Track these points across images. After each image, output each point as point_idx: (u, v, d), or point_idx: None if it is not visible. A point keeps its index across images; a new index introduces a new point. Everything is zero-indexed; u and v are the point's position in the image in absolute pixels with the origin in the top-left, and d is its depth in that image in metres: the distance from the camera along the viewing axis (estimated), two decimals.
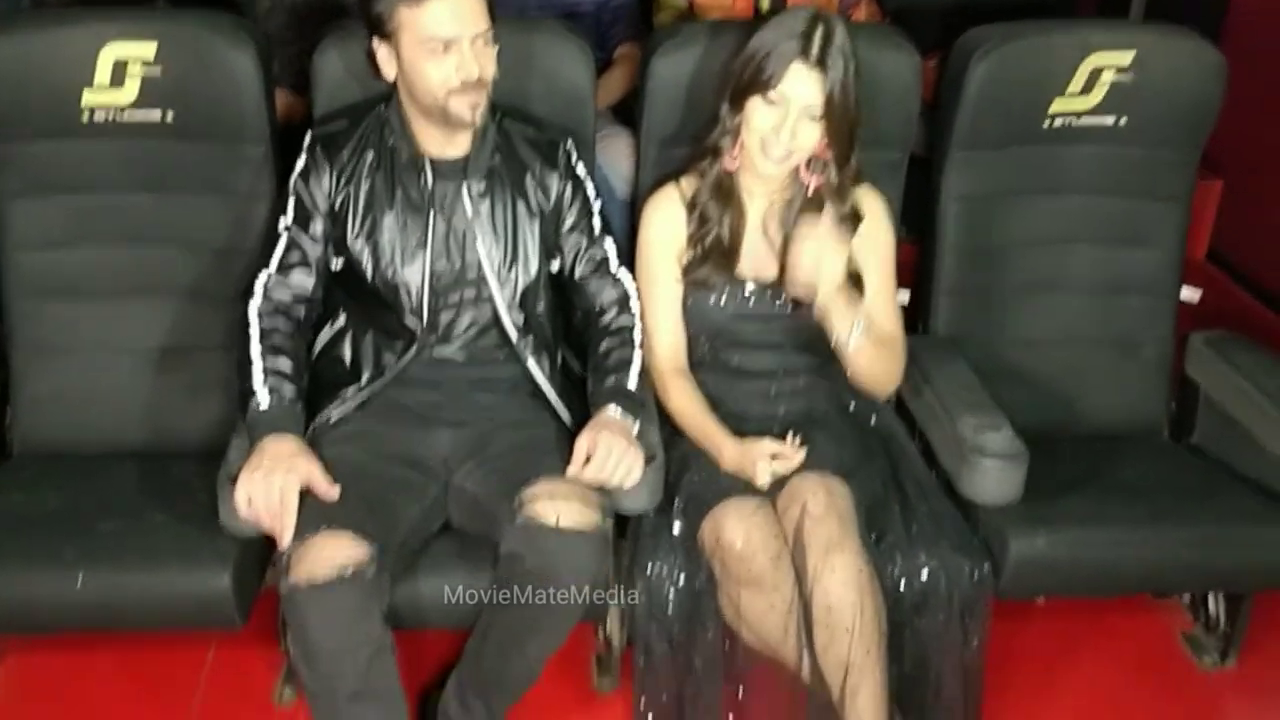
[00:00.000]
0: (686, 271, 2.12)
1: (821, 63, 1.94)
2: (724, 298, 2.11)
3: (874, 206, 2.13)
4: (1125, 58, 2.24)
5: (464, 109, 1.93)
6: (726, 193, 2.09)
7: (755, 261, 2.11)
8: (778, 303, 2.11)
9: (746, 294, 2.11)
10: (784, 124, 1.96)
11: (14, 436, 2.28)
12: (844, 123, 1.99)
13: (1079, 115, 2.28)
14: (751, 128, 2.00)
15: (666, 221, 2.12)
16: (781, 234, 2.09)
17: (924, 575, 1.96)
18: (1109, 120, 2.29)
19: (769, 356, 2.15)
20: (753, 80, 1.98)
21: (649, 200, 2.16)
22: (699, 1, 2.97)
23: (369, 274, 2.03)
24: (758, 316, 2.12)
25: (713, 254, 2.09)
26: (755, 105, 1.99)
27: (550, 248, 2.09)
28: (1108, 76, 2.25)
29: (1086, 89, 2.26)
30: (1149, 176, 2.34)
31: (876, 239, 2.12)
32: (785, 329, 2.13)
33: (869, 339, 2.02)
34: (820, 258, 1.97)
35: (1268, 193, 3.01)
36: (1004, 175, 2.32)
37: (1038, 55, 2.26)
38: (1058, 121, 2.28)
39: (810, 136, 1.98)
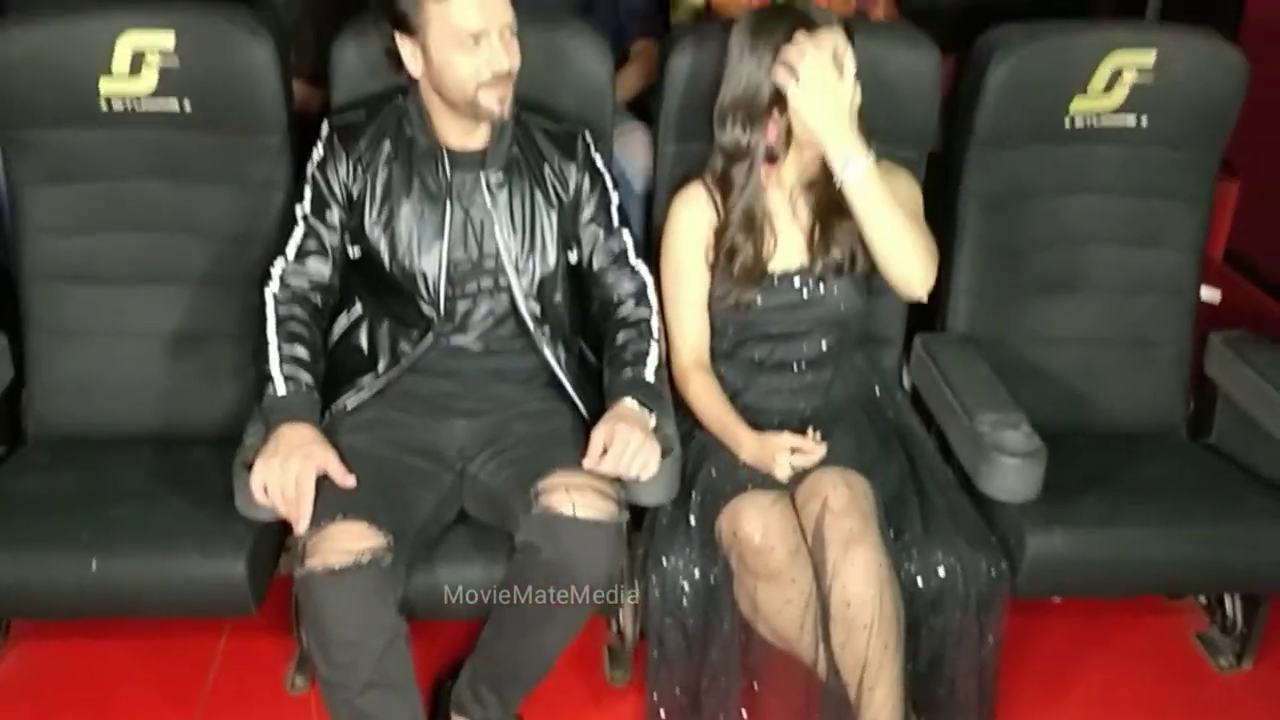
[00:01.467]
0: (716, 291, 2.11)
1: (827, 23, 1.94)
2: (755, 298, 2.10)
3: (898, 175, 2.09)
4: (1147, 58, 2.24)
5: (493, 102, 1.93)
6: (753, 219, 2.07)
7: (785, 253, 2.11)
8: (807, 289, 2.10)
9: (775, 288, 2.11)
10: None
11: (30, 420, 2.28)
12: None
13: (1100, 115, 2.27)
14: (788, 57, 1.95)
15: (694, 218, 2.12)
16: (810, 216, 2.09)
17: (941, 572, 1.95)
18: (1130, 120, 2.28)
19: (793, 347, 2.15)
20: (753, 94, 1.99)
21: (677, 196, 2.15)
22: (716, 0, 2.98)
23: (386, 262, 2.03)
24: (785, 306, 2.12)
25: (741, 277, 2.08)
26: (781, 77, 1.95)
27: (568, 238, 2.09)
28: (1129, 77, 2.24)
29: (1108, 89, 2.25)
30: (1169, 177, 2.33)
31: (904, 194, 2.06)
32: (812, 317, 2.12)
33: (876, 182, 1.95)
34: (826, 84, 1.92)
35: None
36: (1024, 174, 2.32)
37: (1059, 54, 2.26)
38: (1079, 121, 2.28)
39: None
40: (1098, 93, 2.25)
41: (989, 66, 2.22)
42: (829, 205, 2.05)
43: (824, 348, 2.15)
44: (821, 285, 2.10)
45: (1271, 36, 3.11)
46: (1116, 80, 2.24)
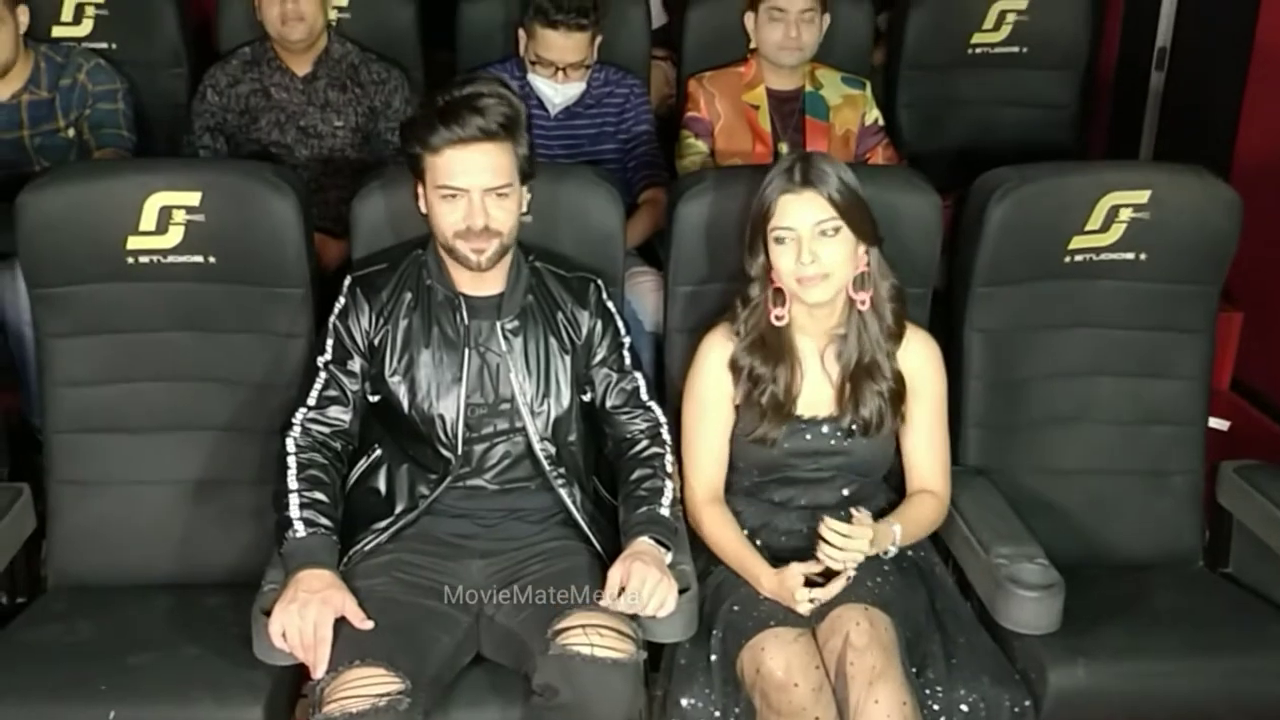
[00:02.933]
0: (741, 427, 2.14)
1: (808, 181, 2.00)
2: (780, 438, 2.12)
3: (924, 352, 2.15)
4: (1141, 196, 2.29)
5: (468, 252, 2.01)
6: (774, 348, 2.10)
7: (813, 399, 2.13)
8: (834, 439, 2.12)
9: (803, 430, 2.12)
10: (802, 250, 2.00)
11: (49, 570, 2.28)
12: (860, 219, 2.03)
13: (1099, 251, 2.32)
14: (780, 272, 2.05)
15: (720, 356, 2.14)
16: (840, 372, 2.12)
17: (964, 709, 1.93)
18: (1129, 256, 2.32)
19: (815, 492, 2.16)
20: (758, 226, 2.05)
21: (706, 335, 2.18)
22: (720, 148, 3.08)
23: (405, 407, 2.07)
24: (810, 453, 2.13)
25: (770, 411, 2.10)
26: (772, 250, 2.04)
27: (581, 380, 2.13)
28: (1125, 214, 2.29)
29: (1105, 227, 2.30)
30: (1171, 310, 2.37)
31: (926, 387, 2.15)
32: (836, 466, 2.14)
33: (907, 531, 2.07)
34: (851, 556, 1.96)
35: None
36: (1027, 309, 2.35)
37: (1055, 194, 2.31)
38: (1078, 257, 2.32)
39: (836, 251, 2.02)
40: (1095, 230, 2.30)
41: (988, 207, 2.28)
42: (859, 366, 2.10)
43: (845, 494, 2.16)
44: (849, 439, 2.12)
45: (1264, 170, 3.19)
46: (1113, 218, 2.29)
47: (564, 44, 2.86)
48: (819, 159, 2.04)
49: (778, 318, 2.09)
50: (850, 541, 1.94)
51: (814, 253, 2.00)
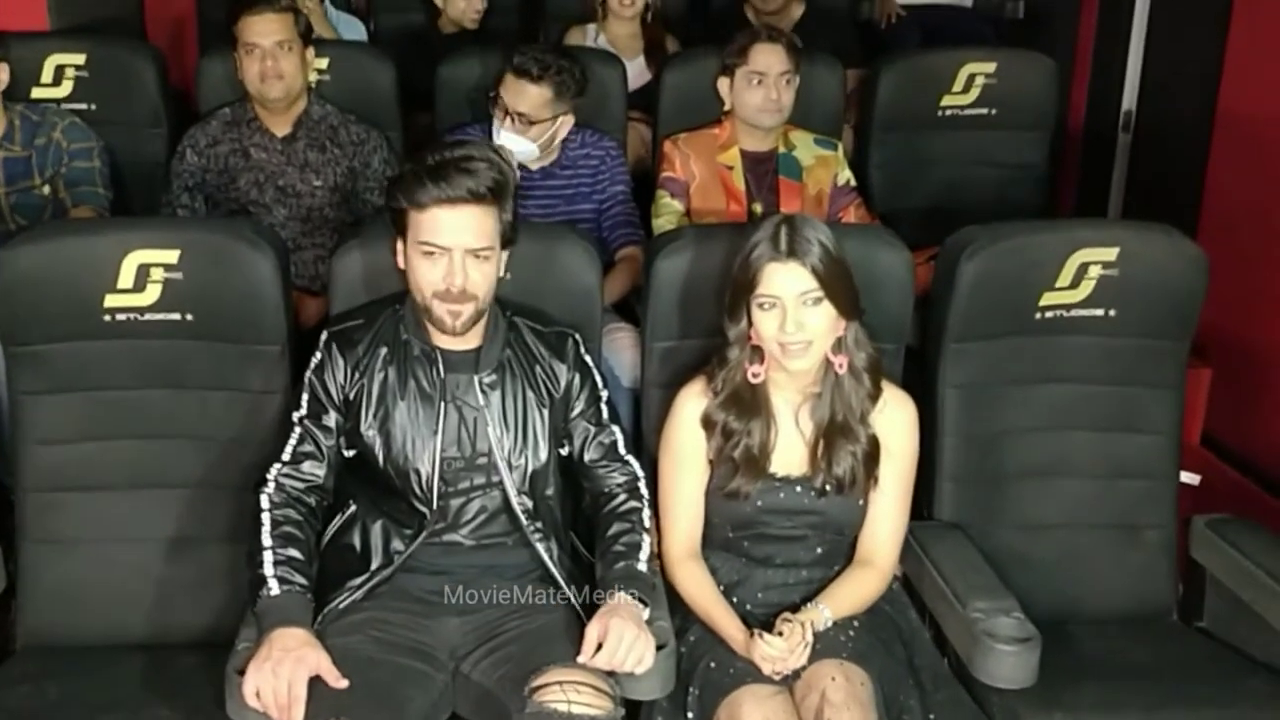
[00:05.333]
0: (715, 481, 2.14)
1: (793, 252, 2.01)
2: (754, 494, 2.12)
3: (900, 415, 2.16)
4: (1110, 253, 2.32)
5: (444, 314, 2.02)
6: (749, 404, 2.11)
7: (787, 457, 2.13)
8: (808, 498, 2.13)
9: (777, 489, 2.13)
10: (786, 319, 2.02)
11: (19, 630, 2.25)
12: (843, 291, 2.04)
13: (1069, 308, 2.35)
14: (761, 335, 2.06)
15: (695, 411, 2.15)
16: (814, 430, 2.12)
17: None
18: (1099, 312, 2.35)
19: (789, 549, 2.16)
20: (741, 291, 2.06)
21: (682, 389, 2.18)
22: (695, 207, 3.11)
23: (380, 461, 2.07)
24: (784, 510, 2.13)
25: (743, 465, 2.11)
26: (754, 313, 2.05)
27: (559, 434, 2.14)
28: (1095, 271, 2.32)
29: (1074, 283, 2.33)
30: (1141, 365, 2.39)
31: (898, 448, 2.15)
32: (812, 523, 2.14)
33: (839, 611, 2.06)
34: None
35: (1255, 379, 3.09)
36: (999, 365, 2.38)
37: (1025, 252, 2.34)
38: (1049, 313, 2.35)
39: (819, 320, 2.03)
40: (1065, 287, 2.33)
41: (959, 264, 2.30)
42: (833, 424, 2.11)
43: (819, 552, 2.16)
44: (823, 498, 2.12)
45: (1229, 227, 3.25)
46: (1083, 275, 2.32)
47: (518, 91, 2.89)
48: (804, 225, 2.05)
49: (754, 375, 2.10)
50: (788, 658, 1.93)
51: (798, 322, 2.02)
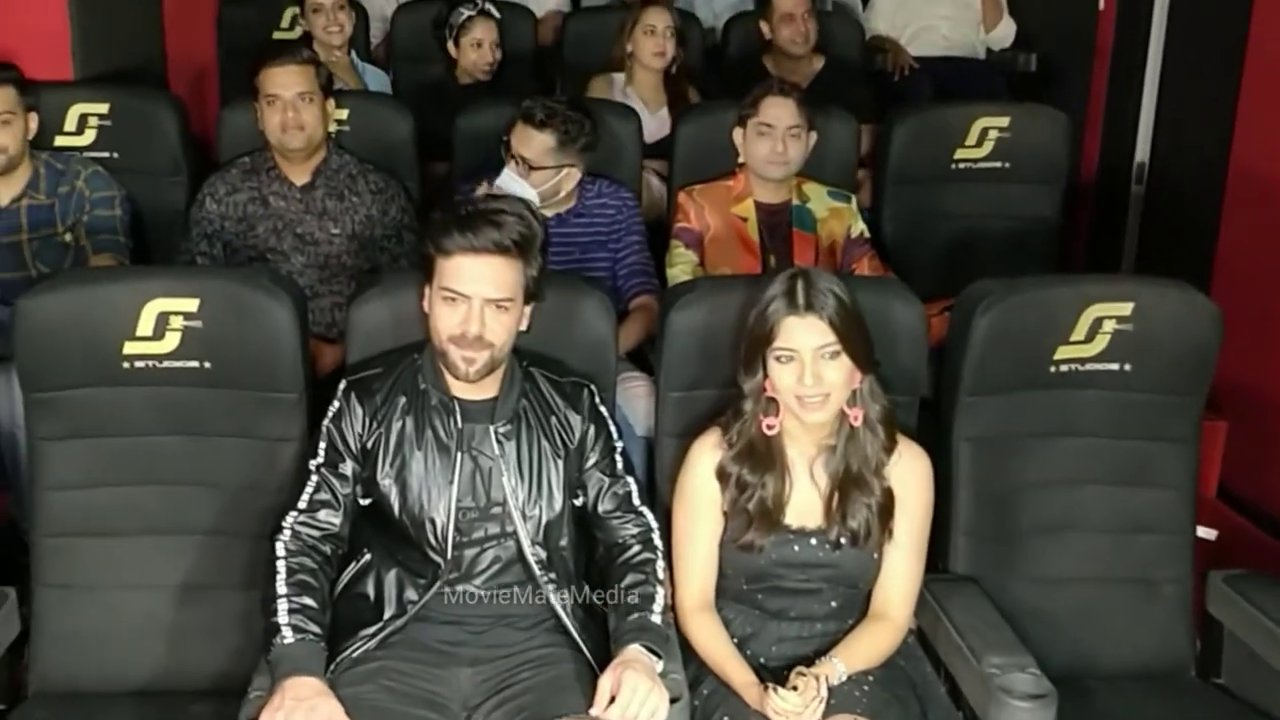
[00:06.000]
0: (729, 533, 2.14)
1: (810, 306, 2.03)
2: (768, 546, 2.12)
3: (915, 467, 2.16)
4: (1125, 308, 2.32)
5: (458, 360, 2.05)
6: (763, 456, 2.12)
7: (801, 509, 2.13)
8: (822, 550, 2.12)
9: (791, 541, 2.13)
10: (804, 373, 2.03)
11: (32, 676, 2.25)
12: (859, 344, 2.06)
13: (1084, 362, 2.35)
14: (778, 388, 2.06)
15: (709, 462, 2.15)
16: (829, 482, 2.13)
17: None
18: (1114, 366, 2.35)
19: (803, 602, 2.15)
20: (757, 344, 2.07)
21: (696, 439, 2.19)
22: (709, 258, 3.13)
23: (396, 510, 2.08)
24: (798, 563, 2.13)
25: (757, 518, 2.11)
26: (771, 366, 2.06)
27: (574, 484, 2.14)
28: (1109, 325, 2.32)
29: (1089, 338, 2.33)
30: (1156, 419, 2.39)
31: (912, 501, 2.15)
32: (827, 576, 2.14)
33: (853, 665, 2.05)
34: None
35: (1271, 432, 3.08)
36: (1014, 418, 2.38)
37: (1040, 306, 2.35)
38: (1064, 367, 2.35)
39: (837, 373, 2.04)
40: (1080, 341, 2.33)
41: (974, 317, 2.31)
42: (847, 476, 2.11)
43: (833, 605, 2.16)
44: (838, 551, 2.12)
45: (1243, 277, 3.26)
46: (1097, 329, 2.33)
47: (524, 136, 2.93)
48: (819, 279, 2.06)
49: (769, 426, 2.11)
50: (802, 712, 1.92)
51: (816, 375, 2.03)
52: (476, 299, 2.02)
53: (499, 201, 2.13)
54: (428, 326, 2.10)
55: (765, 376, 2.08)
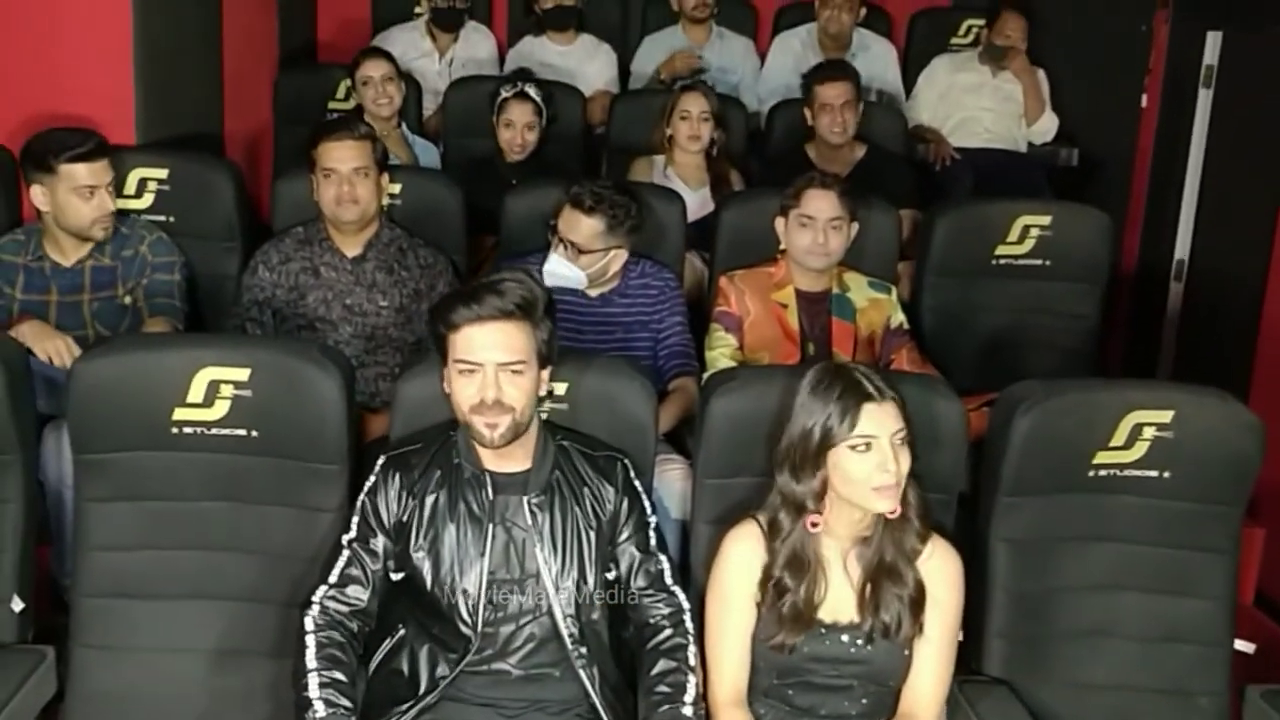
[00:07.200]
0: (762, 630, 2.13)
1: (883, 393, 2.04)
2: (799, 642, 2.11)
3: (946, 566, 2.16)
4: (1165, 416, 2.33)
5: (482, 427, 2.08)
6: (803, 561, 2.11)
7: (835, 604, 2.13)
8: (854, 646, 2.12)
9: (823, 636, 2.12)
10: (886, 459, 2.02)
11: None
12: (912, 432, 2.07)
13: (1122, 467, 2.34)
14: (851, 480, 2.04)
15: (746, 554, 2.15)
16: (862, 574, 2.13)
17: None
18: (1153, 473, 2.35)
19: (834, 699, 2.14)
20: (825, 440, 2.04)
21: (731, 531, 2.19)
22: (749, 343, 3.16)
23: (428, 583, 2.10)
24: (830, 659, 2.12)
25: (789, 620, 2.10)
26: (845, 457, 2.04)
27: (606, 558, 2.16)
28: (1149, 432, 2.32)
29: (1128, 444, 2.33)
30: (1194, 528, 2.38)
31: (943, 599, 2.14)
32: (858, 673, 2.13)
33: None
34: None
35: None
36: (1051, 521, 2.37)
37: (1080, 410, 2.35)
38: (1102, 471, 2.34)
39: (907, 460, 2.05)
40: (1119, 447, 2.33)
41: (1014, 418, 2.32)
42: (880, 566, 2.11)
43: (864, 703, 2.15)
44: (870, 645, 2.11)
45: None
46: (1137, 436, 2.33)
47: (572, 221, 2.98)
48: (872, 374, 2.08)
49: (814, 525, 2.10)
50: None
51: (897, 459, 2.03)
52: (489, 365, 2.07)
53: (500, 273, 2.19)
54: (451, 405, 2.14)
55: (824, 476, 2.07)
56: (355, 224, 3.05)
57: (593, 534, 2.14)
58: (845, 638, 2.12)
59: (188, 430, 2.28)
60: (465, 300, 2.09)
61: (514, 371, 2.08)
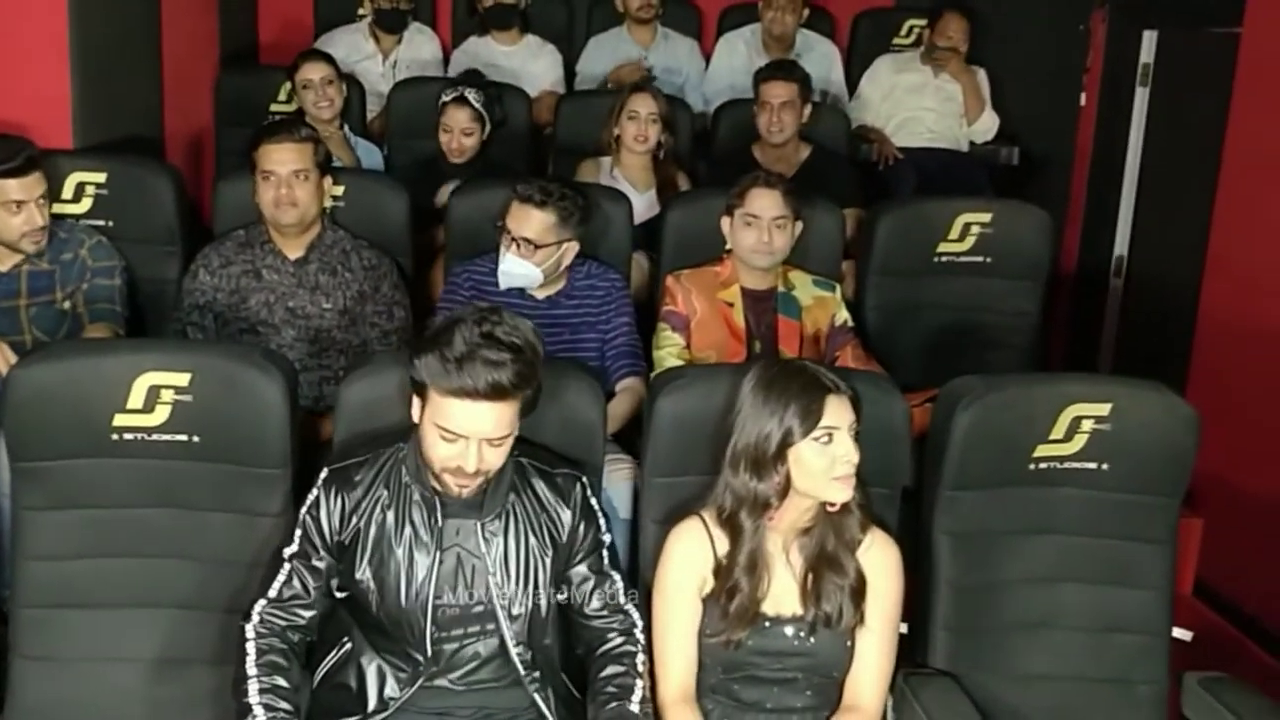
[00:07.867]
0: (708, 625, 2.14)
1: (839, 387, 2.08)
2: (744, 637, 2.12)
3: (885, 557, 2.18)
4: (1103, 409, 2.36)
5: (451, 484, 2.03)
6: (756, 559, 2.12)
7: (778, 597, 2.15)
8: (797, 639, 2.13)
9: (767, 630, 2.14)
10: (850, 450, 2.05)
11: None
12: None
13: (1062, 460, 2.37)
14: (812, 473, 2.06)
15: (690, 552, 2.16)
16: (804, 564, 2.14)
17: None
18: (1092, 466, 2.38)
19: (779, 692, 2.15)
20: (787, 437, 2.05)
21: (674, 529, 2.20)
22: (695, 341, 3.17)
23: (374, 606, 2.07)
24: (775, 652, 2.14)
25: (735, 617, 2.11)
26: (807, 449, 2.05)
27: (559, 579, 2.14)
28: (1087, 425, 2.35)
29: (1068, 437, 2.36)
30: (1133, 520, 2.41)
31: (882, 588, 2.16)
32: (799, 666, 2.14)
33: None
34: None
35: (1247, 530, 3.11)
36: (993, 514, 2.39)
37: (1020, 404, 2.38)
38: (1042, 465, 2.37)
39: (857, 452, 2.08)
40: (1059, 440, 2.36)
41: (955, 413, 2.34)
42: (821, 555, 2.13)
43: (808, 694, 2.16)
44: (813, 637, 2.13)
45: (1219, 372, 3.31)
46: (1076, 429, 2.36)
47: (523, 217, 2.96)
48: (832, 370, 2.11)
49: (770, 520, 2.12)
50: None
51: (854, 450, 2.06)
52: (474, 439, 1.96)
53: (494, 323, 1.98)
54: (414, 433, 2.06)
55: (786, 471, 2.08)
56: (295, 227, 3.02)
57: (547, 559, 2.10)
58: (789, 630, 2.13)
59: (128, 436, 2.25)
60: (460, 366, 1.91)
61: (497, 443, 2.00)
